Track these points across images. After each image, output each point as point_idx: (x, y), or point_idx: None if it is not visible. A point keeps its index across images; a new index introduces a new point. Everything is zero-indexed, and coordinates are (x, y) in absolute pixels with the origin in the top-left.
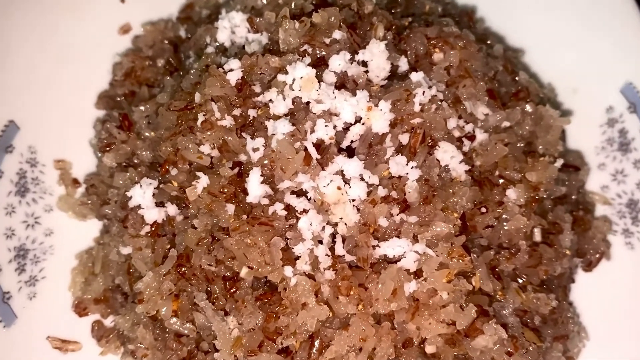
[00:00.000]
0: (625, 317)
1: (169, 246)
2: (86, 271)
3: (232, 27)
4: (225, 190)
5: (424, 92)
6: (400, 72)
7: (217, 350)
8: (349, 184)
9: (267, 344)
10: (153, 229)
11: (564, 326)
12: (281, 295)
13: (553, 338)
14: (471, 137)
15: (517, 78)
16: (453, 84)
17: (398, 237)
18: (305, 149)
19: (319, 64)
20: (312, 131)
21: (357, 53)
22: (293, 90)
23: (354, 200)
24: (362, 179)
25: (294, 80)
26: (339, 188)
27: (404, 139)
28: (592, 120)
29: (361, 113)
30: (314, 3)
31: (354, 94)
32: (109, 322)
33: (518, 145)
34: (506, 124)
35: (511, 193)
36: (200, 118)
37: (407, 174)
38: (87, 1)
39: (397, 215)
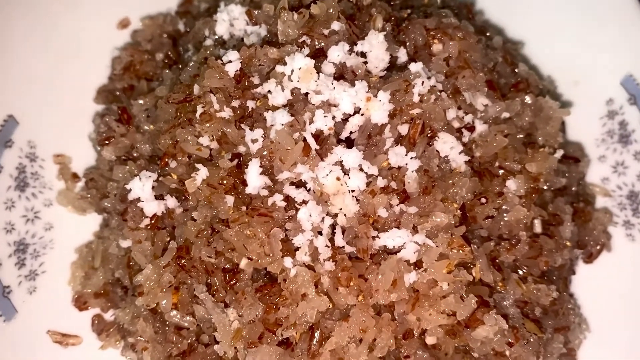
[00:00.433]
0: (626, 309)
1: (168, 239)
2: (86, 265)
3: (230, 19)
4: (225, 181)
5: (423, 83)
6: (399, 64)
7: (217, 343)
8: (348, 174)
9: (267, 335)
10: (152, 221)
11: (565, 317)
12: (281, 287)
13: (554, 329)
14: (471, 128)
15: (516, 70)
16: (452, 75)
17: (398, 227)
18: (304, 139)
19: (318, 55)
20: (311, 122)
21: (356, 44)
22: (292, 81)
23: (353, 191)
24: (361, 169)
25: (292, 71)
26: (338, 179)
27: (403, 129)
28: (592, 112)
29: (360, 104)
30: None
31: (353, 85)
32: (109, 315)
33: (518, 136)
34: (506, 115)
35: (511, 184)
36: (199, 110)
37: (406, 164)
38: None
39: (397, 206)
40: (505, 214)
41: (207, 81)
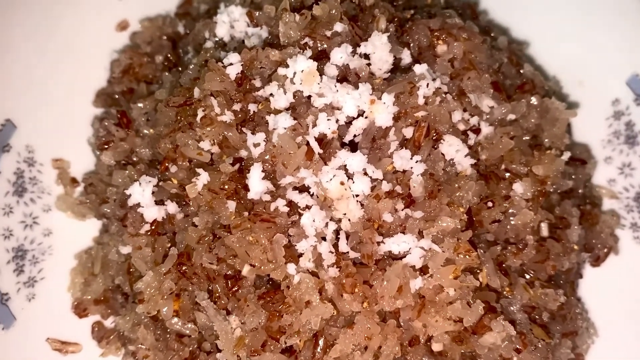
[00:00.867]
0: (634, 312)
1: (169, 245)
2: (85, 271)
3: (231, 21)
4: (226, 187)
5: (427, 85)
6: (403, 65)
7: (219, 351)
8: (352, 179)
9: (270, 343)
10: (153, 227)
11: (573, 322)
12: (284, 294)
13: (562, 334)
14: (476, 130)
15: (522, 70)
16: (457, 76)
17: (403, 232)
18: (307, 143)
19: (321, 57)
20: (314, 125)
21: (359, 46)
22: (294, 84)
23: (357, 196)
24: (365, 173)
25: (294, 73)
26: (342, 183)
27: (408, 132)
28: (598, 112)
29: (364, 106)
30: None
31: (357, 87)
32: (109, 323)
33: (524, 138)
34: (512, 116)
35: (518, 187)
36: (200, 114)
37: (411, 168)
38: None
39: (402, 210)
40: (512, 218)
41: (207, 84)
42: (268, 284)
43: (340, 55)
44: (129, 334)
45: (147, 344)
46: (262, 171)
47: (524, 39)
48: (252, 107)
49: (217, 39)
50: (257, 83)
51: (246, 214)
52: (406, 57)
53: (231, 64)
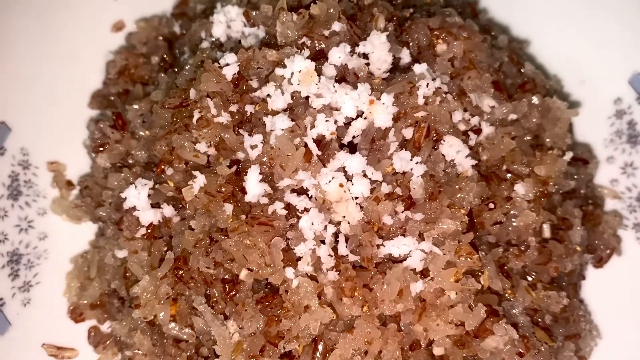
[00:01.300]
0: (637, 314)
1: (165, 249)
2: (81, 276)
3: (227, 21)
4: (223, 189)
5: (427, 85)
6: (403, 65)
7: (217, 356)
8: (351, 180)
9: (269, 348)
10: (149, 231)
11: (576, 324)
12: (283, 298)
13: (565, 337)
14: (477, 131)
15: (522, 69)
16: (457, 75)
17: (403, 235)
18: (306, 145)
19: (318, 57)
20: (312, 126)
21: (358, 45)
22: (292, 84)
23: (356, 198)
24: (365, 175)
25: (292, 74)
26: (341, 185)
27: (408, 133)
28: (600, 112)
29: (363, 107)
30: None
31: (355, 88)
32: (105, 327)
33: (525, 138)
34: (513, 116)
35: (519, 188)
36: (196, 115)
37: (411, 169)
38: None
39: (402, 212)
40: (513, 219)
41: (203, 85)
42: (266, 288)
43: (338, 55)
44: (126, 339)
45: (144, 349)
46: (260, 173)
47: (525, 38)
48: (249, 108)
49: (213, 39)
50: (254, 84)
51: (243, 217)
52: (405, 56)
53: (228, 65)
